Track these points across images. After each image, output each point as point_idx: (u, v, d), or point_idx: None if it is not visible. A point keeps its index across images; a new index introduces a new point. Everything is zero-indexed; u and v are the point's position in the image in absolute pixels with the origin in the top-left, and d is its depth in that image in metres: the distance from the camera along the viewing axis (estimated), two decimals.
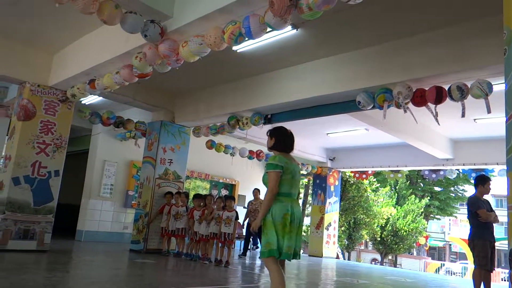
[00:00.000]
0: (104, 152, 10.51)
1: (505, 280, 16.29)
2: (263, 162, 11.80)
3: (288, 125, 7.95)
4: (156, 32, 4.64)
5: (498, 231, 5.68)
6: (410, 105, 5.65)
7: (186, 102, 8.97)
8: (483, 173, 9.92)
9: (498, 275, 16.60)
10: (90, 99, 8.77)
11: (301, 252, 3.50)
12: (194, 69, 6.93)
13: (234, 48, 5.99)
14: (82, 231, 10.02)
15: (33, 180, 6.94)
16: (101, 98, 8.44)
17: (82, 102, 9.02)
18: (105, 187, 10.41)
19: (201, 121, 8.95)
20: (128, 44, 5.38)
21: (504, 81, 2.37)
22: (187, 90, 8.78)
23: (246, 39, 4.34)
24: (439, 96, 5.28)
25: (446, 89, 5.27)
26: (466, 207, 5.64)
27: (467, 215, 5.67)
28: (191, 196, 9.20)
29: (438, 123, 5.77)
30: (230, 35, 4.22)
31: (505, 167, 8.95)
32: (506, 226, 2.34)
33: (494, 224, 5.51)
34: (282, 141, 3.56)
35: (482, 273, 5.31)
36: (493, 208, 5.67)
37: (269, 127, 4.46)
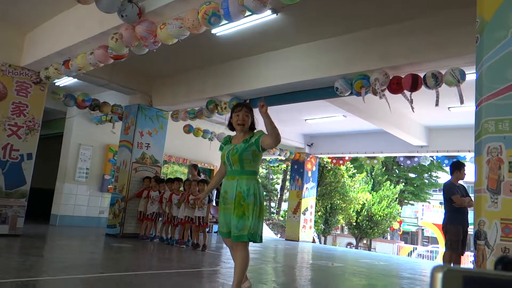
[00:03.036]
0: (79, 135, 10.31)
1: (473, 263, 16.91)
2: None
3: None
4: (134, 12, 4.53)
5: (471, 216, 5.84)
6: (387, 93, 5.73)
7: (164, 85, 8.85)
8: (458, 159, 10.20)
9: (468, 258, 17.23)
10: (65, 81, 8.53)
11: (250, 233, 3.19)
12: (173, 52, 6.82)
13: (213, 31, 5.92)
14: (56, 216, 9.85)
15: (4, 163, 6.76)
16: (76, 80, 8.22)
17: (56, 83, 8.77)
18: (81, 171, 10.24)
19: (179, 105, 8.86)
20: (104, 25, 5.23)
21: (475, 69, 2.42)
22: (165, 74, 8.65)
23: (225, 22, 4.29)
24: (415, 83, 5.37)
25: (422, 77, 5.37)
26: (442, 193, 5.81)
27: (442, 201, 5.85)
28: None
29: (413, 110, 5.88)
30: (203, 15, 4.15)
31: None
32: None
33: (469, 209, 5.70)
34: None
35: (453, 256, 5.51)
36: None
37: None
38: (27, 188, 7.01)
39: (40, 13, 6.28)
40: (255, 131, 3.48)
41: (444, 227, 5.63)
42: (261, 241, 3.26)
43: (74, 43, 5.81)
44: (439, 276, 0.41)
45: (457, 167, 5.79)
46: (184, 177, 11.22)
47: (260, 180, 3.44)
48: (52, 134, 11.62)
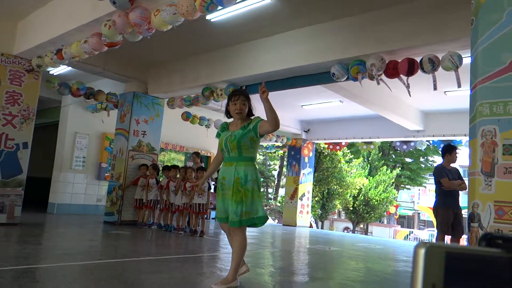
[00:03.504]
0: (75, 124, 10.27)
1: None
2: None
3: None
4: None
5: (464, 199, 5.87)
6: (384, 76, 5.72)
7: (160, 73, 8.79)
8: (454, 143, 10.24)
9: (463, 242, 17.42)
10: (59, 69, 8.47)
11: (243, 218, 3.24)
12: (167, 39, 6.76)
13: (208, 17, 5.86)
14: (54, 204, 9.88)
15: (0, 153, 6.74)
16: (70, 68, 8.16)
17: (50, 72, 8.71)
18: (77, 160, 10.23)
19: (175, 93, 8.81)
20: (97, 12, 5.17)
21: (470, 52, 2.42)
22: (161, 61, 8.58)
23: (219, 8, 4.24)
24: (411, 68, 5.36)
25: (418, 61, 5.35)
26: (433, 177, 5.86)
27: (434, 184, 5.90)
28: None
29: (410, 95, 5.88)
30: (201, 2, 4.11)
31: None
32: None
33: (460, 192, 5.73)
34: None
35: (446, 238, 5.58)
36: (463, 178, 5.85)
37: None
38: (24, 177, 7.01)
39: (32, 0, 6.19)
40: (252, 117, 3.49)
41: (434, 210, 5.68)
42: (264, 221, 3.30)
43: (67, 30, 5.74)
44: (422, 252, 0.41)
45: (448, 150, 5.82)
46: (181, 165, 11.26)
47: (257, 166, 3.47)
48: (48, 123, 11.58)
